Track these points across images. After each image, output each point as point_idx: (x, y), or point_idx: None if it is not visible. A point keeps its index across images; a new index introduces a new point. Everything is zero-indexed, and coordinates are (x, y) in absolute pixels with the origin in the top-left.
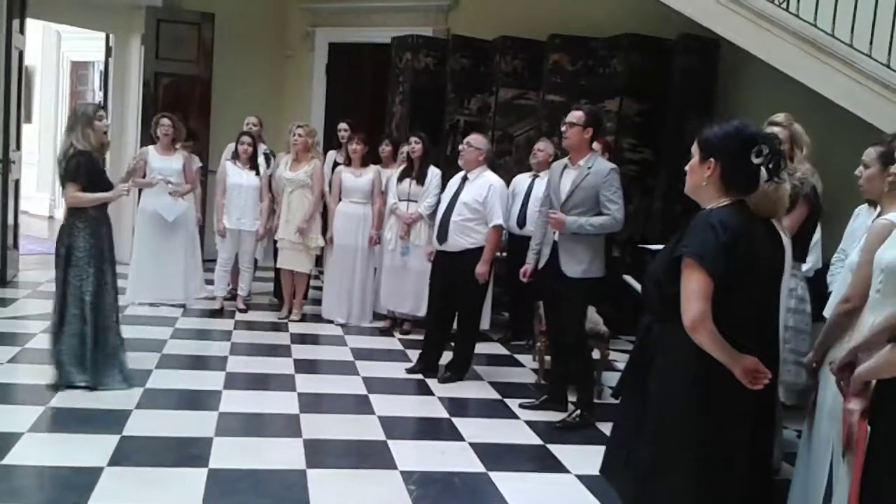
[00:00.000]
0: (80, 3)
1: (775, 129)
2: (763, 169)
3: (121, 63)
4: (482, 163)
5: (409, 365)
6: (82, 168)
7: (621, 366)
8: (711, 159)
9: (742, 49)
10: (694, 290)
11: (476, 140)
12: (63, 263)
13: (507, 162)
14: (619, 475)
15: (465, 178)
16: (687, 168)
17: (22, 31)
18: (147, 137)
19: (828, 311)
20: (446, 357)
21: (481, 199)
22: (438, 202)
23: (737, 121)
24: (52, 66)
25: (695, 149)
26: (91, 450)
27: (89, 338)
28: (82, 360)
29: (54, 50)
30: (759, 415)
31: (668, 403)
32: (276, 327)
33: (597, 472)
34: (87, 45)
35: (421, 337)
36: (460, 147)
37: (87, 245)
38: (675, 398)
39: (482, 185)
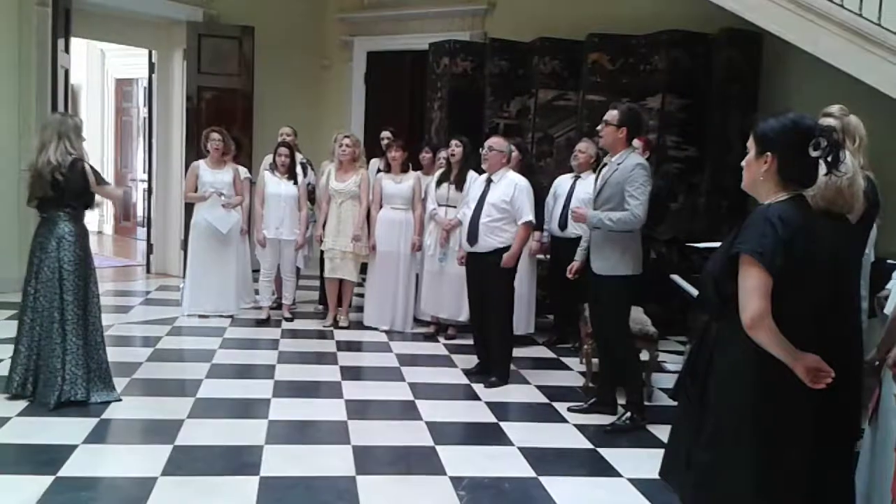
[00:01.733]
0: (122, 20)
1: (828, 121)
2: (822, 162)
3: (164, 79)
4: (505, 164)
5: (456, 370)
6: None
7: (671, 367)
8: (768, 153)
9: (785, 42)
10: (752, 288)
11: (497, 143)
12: (57, 282)
13: (547, 163)
14: (678, 477)
15: (489, 180)
16: (743, 164)
17: (67, 49)
18: (191, 151)
19: (889, 308)
20: None
21: (508, 198)
22: None
23: (793, 113)
24: (97, 83)
25: (751, 143)
26: (145, 460)
27: (82, 350)
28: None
29: (99, 68)
30: (829, 415)
31: (727, 403)
32: (322, 335)
33: (649, 476)
34: (131, 61)
35: (465, 341)
36: (482, 151)
37: (76, 258)
38: (734, 398)
39: (507, 185)
